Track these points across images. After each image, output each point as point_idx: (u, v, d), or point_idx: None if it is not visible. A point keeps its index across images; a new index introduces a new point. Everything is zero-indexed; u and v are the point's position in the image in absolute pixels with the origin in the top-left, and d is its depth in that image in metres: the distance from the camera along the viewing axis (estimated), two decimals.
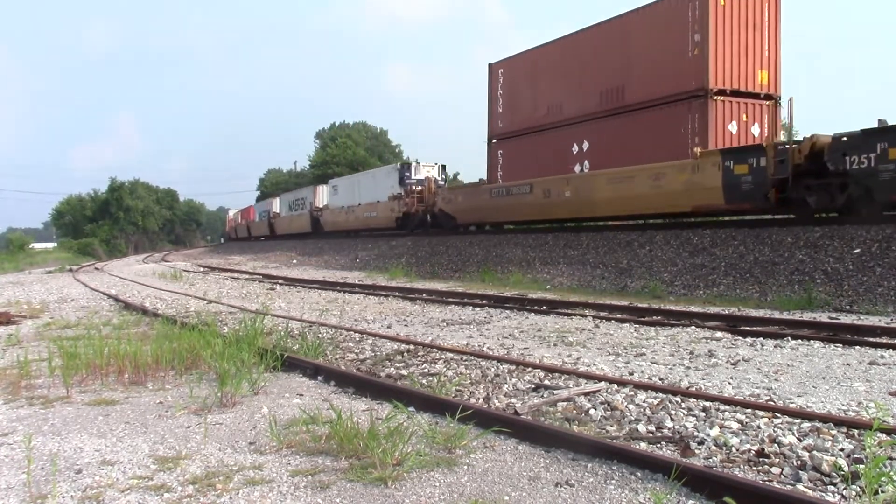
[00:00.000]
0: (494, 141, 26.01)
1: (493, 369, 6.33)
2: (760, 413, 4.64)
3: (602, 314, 10.52)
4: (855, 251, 13.03)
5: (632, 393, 5.30)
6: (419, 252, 25.35)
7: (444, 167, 32.68)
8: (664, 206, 17.89)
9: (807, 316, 9.86)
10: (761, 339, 8.05)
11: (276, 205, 52.36)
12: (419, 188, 30.29)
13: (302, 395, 5.62)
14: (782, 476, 3.58)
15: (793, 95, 17.00)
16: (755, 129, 18.82)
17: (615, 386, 5.52)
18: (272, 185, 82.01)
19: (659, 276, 14.93)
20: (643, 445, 4.16)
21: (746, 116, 18.71)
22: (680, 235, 17.21)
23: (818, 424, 4.33)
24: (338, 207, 38.92)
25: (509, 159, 25.15)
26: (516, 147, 24.82)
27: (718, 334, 8.37)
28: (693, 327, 8.90)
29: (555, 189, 21.10)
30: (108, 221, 79.58)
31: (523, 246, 21.37)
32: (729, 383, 5.76)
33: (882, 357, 6.75)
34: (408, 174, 31.67)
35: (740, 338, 8.20)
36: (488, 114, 26.14)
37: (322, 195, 42.83)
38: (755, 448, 3.96)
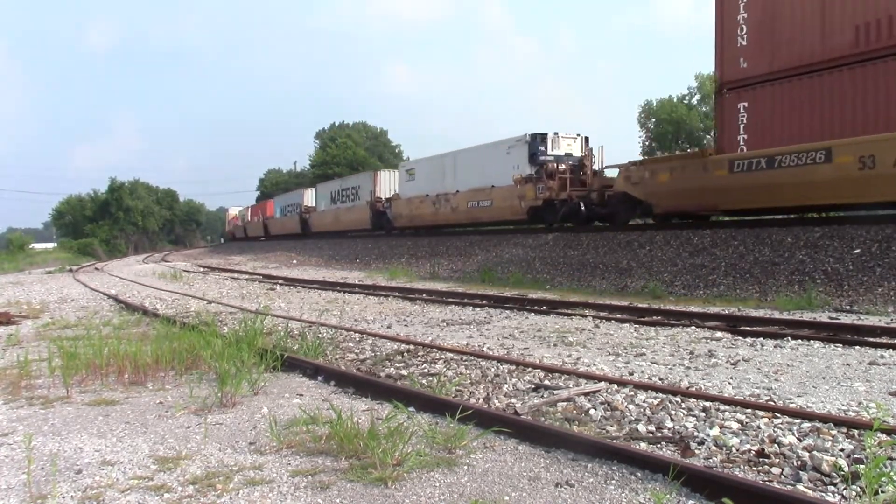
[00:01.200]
0: (727, 92, 17.22)
1: (493, 369, 6.33)
2: (760, 413, 4.64)
3: (602, 314, 10.52)
4: (855, 251, 13.03)
5: (632, 393, 5.30)
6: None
7: (587, 139, 23.50)
8: None
9: (807, 316, 9.86)
10: (761, 339, 8.05)
11: (308, 197, 44.27)
12: (563, 167, 22.26)
13: (302, 395, 5.62)
14: (782, 476, 3.58)
15: None
16: None
17: (615, 386, 5.52)
18: (272, 185, 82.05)
19: (659, 276, 14.93)
20: (643, 445, 4.16)
21: None
22: (680, 235, 17.21)
23: (818, 424, 4.33)
24: (417, 196, 29.69)
25: (761, 115, 16.43)
26: (778, 96, 16.05)
27: (718, 334, 8.37)
28: (693, 327, 8.90)
29: (887, 155, 13.02)
30: (108, 221, 79.57)
31: (523, 246, 21.37)
32: (729, 383, 5.76)
33: (882, 357, 6.75)
34: (542, 149, 22.85)
35: (740, 338, 8.20)
36: (716, 52, 17.55)
37: (386, 182, 34.51)
38: (755, 448, 3.96)
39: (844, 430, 4.25)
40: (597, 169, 22.45)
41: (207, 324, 8.19)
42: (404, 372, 6.45)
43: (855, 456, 3.74)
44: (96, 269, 34.12)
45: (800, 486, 3.42)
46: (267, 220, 52.54)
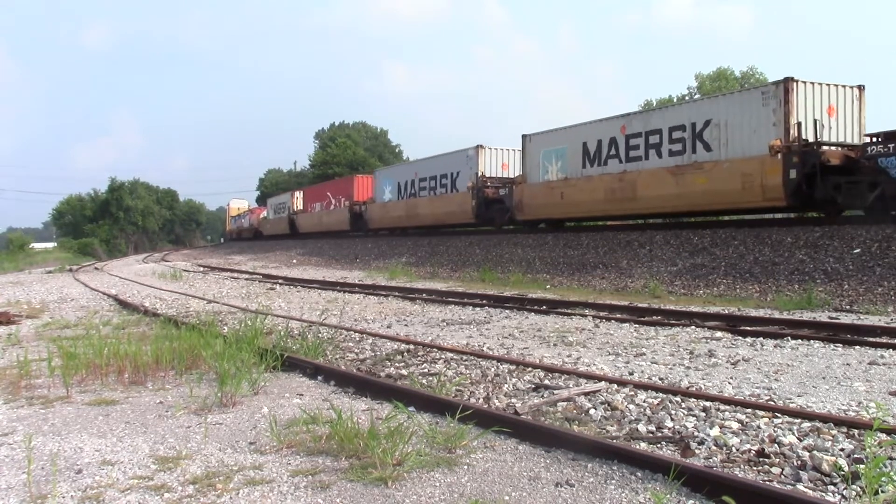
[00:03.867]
0: None
1: (493, 369, 6.33)
2: (760, 413, 4.64)
3: (602, 314, 10.52)
4: (855, 251, 13.03)
5: (632, 393, 5.30)
6: (420, 251, 25.08)
7: None
8: None
9: (807, 316, 9.86)
10: (761, 339, 8.05)
11: (487, 160, 25.82)
12: None
13: (302, 395, 5.62)
14: (782, 476, 3.58)
15: None
16: None
17: (615, 386, 5.52)
18: (272, 185, 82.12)
19: (659, 276, 14.93)
20: (643, 445, 4.16)
21: None
22: (680, 235, 17.20)
23: (818, 424, 4.34)
24: None
25: None
26: None
27: (718, 334, 8.37)
28: (693, 327, 8.90)
29: None
30: (108, 221, 79.63)
31: (523, 246, 21.36)
32: (729, 383, 5.76)
33: (882, 357, 6.75)
34: None
35: (740, 338, 8.20)
36: None
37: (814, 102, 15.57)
38: (755, 448, 3.96)
39: (844, 429, 4.25)
40: None
41: (207, 324, 8.19)
42: (404, 372, 6.45)
43: (855, 456, 3.74)
44: (96, 268, 34.11)
45: (800, 486, 3.42)
46: (360, 207, 35.61)
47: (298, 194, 47.79)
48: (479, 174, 25.58)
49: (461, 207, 26.08)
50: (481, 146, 26.01)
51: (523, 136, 23.41)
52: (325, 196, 41.80)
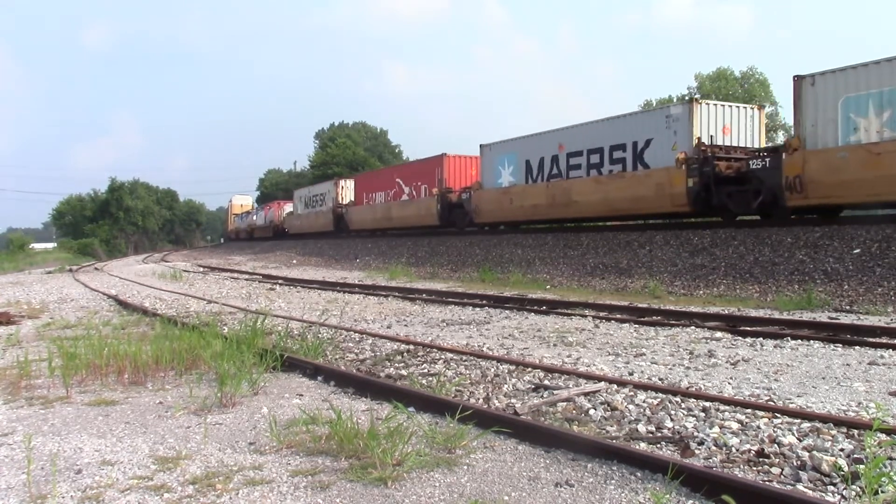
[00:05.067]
0: None
1: (492, 369, 6.33)
2: (760, 413, 4.64)
3: (602, 314, 10.52)
4: (855, 251, 13.04)
5: (632, 393, 5.30)
6: (419, 252, 25.10)
7: None
8: None
9: (807, 316, 9.86)
10: (761, 339, 8.05)
11: (704, 122, 17.24)
12: None
13: (302, 395, 5.62)
14: (782, 476, 3.58)
15: None
16: None
17: (615, 386, 5.52)
18: (272, 185, 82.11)
19: (659, 276, 14.93)
20: (643, 446, 4.16)
21: None
22: (680, 235, 17.20)
23: (818, 424, 4.34)
24: None
25: None
26: None
27: (718, 334, 8.37)
28: (693, 327, 8.90)
29: None
30: (107, 221, 79.57)
31: (523, 246, 21.35)
32: (729, 383, 5.76)
33: (882, 357, 6.75)
34: None
35: (740, 338, 8.20)
36: None
37: None
38: (755, 448, 3.96)
39: (844, 430, 4.25)
40: None
41: (207, 324, 8.19)
42: (404, 372, 6.45)
43: (855, 456, 3.74)
44: (96, 269, 34.10)
45: (800, 486, 3.42)
46: (457, 195, 26.67)
47: (345, 183, 38.50)
48: (699, 141, 17.01)
49: (662, 191, 17.59)
50: (696, 99, 17.81)
51: (798, 77, 14.74)
52: (391, 183, 31.64)
